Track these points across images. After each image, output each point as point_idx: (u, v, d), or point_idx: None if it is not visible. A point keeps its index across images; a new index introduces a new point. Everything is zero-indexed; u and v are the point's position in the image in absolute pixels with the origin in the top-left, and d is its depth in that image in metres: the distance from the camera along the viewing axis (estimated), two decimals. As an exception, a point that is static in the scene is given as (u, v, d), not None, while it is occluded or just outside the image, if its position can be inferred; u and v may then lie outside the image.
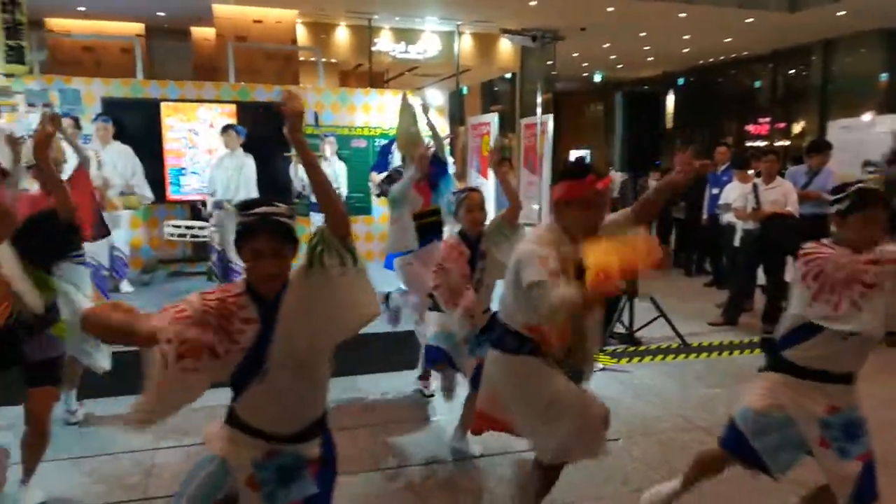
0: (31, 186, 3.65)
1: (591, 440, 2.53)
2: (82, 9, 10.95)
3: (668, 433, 3.98)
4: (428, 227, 4.53)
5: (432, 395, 4.48)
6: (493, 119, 8.33)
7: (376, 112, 8.12)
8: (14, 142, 4.14)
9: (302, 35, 12.00)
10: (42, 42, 8.18)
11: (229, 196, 6.21)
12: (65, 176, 4.25)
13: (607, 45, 14.31)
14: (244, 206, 2.02)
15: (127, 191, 6.43)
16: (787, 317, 2.50)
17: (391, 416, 4.23)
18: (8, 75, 6.21)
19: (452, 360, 3.60)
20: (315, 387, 2.13)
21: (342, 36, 12.52)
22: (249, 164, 6.28)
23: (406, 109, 4.78)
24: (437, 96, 8.02)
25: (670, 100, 17.74)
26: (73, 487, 3.29)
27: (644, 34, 13.16)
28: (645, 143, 5.69)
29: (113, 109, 6.74)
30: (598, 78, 18.18)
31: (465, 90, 15.59)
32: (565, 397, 2.50)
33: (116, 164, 6.33)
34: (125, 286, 6.48)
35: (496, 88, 17.53)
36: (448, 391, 3.82)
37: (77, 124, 5.94)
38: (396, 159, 6.06)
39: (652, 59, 16.05)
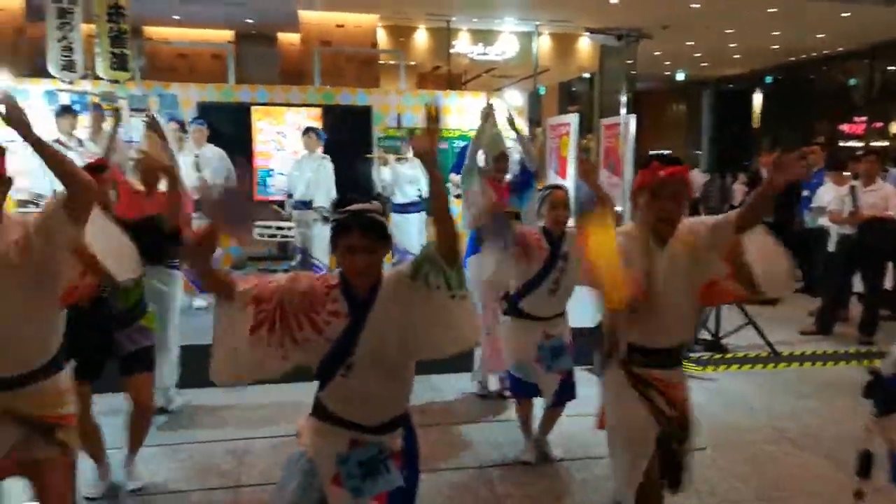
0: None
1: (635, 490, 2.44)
2: (177, 17, 11.52)
3: (757, 444, 3.84)
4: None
5: (489, 396, 4.51)
6: (572, 119, 8.21)
7: (455, 113, 8.16)
8: (99, 117, 4.38)
9: (382, 38, 12.22)
10: (141, 50, 8.65)
11: (309, 196, 6.43)
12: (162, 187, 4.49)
13: (691, 42, 13.90)
14: (338, 204, 2.08)
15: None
16: None
17: (468, 415, 4.27)
18: (112, 81, 6.59)
19: (538, 390, 3.56)
20: (399, 385, 2.17)
21: (421, 38, 12.67)
22: (328, 165, 6.50)
23: (489, 113, 4.82)
24: (516, 97, 7.99)
25: (757, 98, 17.04)
26: (171, 472, 3.48)
27: (731, 31, 12.71)
28: (734, 143, 5.51)
29: (207, 113, 7.07)
30: (680, 77, 17.68)
31: (542, 91, 15.47)
32: (625, 431, 2.45)
33: (210, 165, 6.63)
34: (217, 282, 6.78)
35: (574, 89, 17.30)
36: (525, 423, 3.72)
37: (183, 128, 6.25)
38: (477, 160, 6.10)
39: (739, 56, 15.48)
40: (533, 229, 3.58)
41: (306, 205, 6.49)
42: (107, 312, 3.09)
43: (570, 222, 3.58)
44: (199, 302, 5.92)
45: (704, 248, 2.34)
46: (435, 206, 2.03)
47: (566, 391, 3.53)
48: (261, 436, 3.85)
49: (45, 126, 6.70)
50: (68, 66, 6.01)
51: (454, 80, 14.31)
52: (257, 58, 12.58)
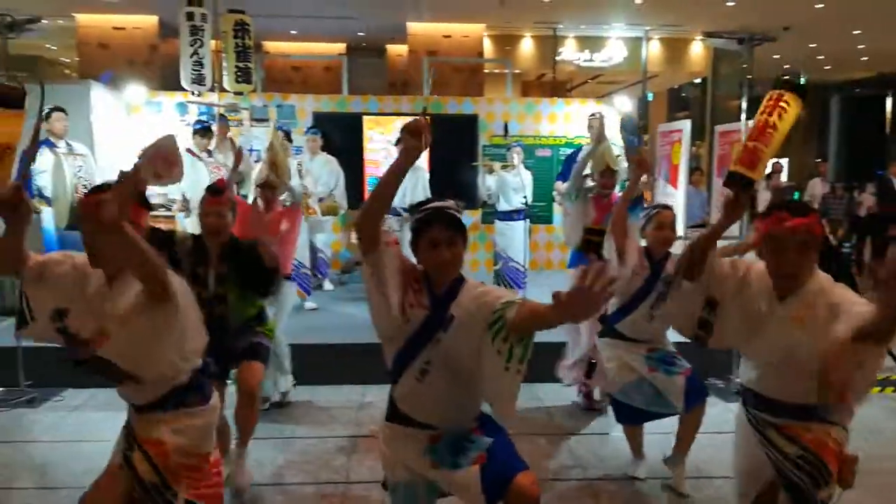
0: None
1: None
2: (294, 32, 12.08)
3: (889, 476, 3.56)
4: (590, 245, 4.40)
5: (594, 409, 4.40)
6: (684, 126, 7.96)
7: (562, 121, 8.12)
8: (238, 151, 4.70)
9: (487, 47, 12.31)
10: (261, 63, 9.14)
11: (404, 204, 6.63)
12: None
13: (814, 45, 13.11)
14: (418, 205, 2.20)
15: (327, 198, 6.99)
16: None
17: (573, 427, 4.20)
18: (237, 93, 7.01)
19: (651, 414, 3.37)
20: (473, 395, 2.21)
21: (527, 46, 12.66)
22: (424, 175, 6.79)
23: (599, 127, 4.76)
24: (625, 103, 7.84)
25: (889, 103, 15.82)
26: (286, 465, 3.63)
27: (858, 32, 11.89)
28: (864, 151, 5.15)
29: (321, 123, 7.39)
30: (801, 81, 16.71)
31: (650, 97, 15.07)
32: (743, 476, 2.38)
33: (321, 173, 6.91)
34: (327, 284, 7.07)
35: (683, 94, 16.75)
36: (633, 440, 3.56)
37: (288, 137, 6.57)
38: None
39: (866, 58, 14.45)
40: (638, 245, 3.47)
41: (405, 210, 6.72)
42: (222, 327, 3.18)
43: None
44: (311, 304, 6.16)
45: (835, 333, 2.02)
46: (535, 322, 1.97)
47: (696, 391, 3.30)
48: (368, 434, 3.97)
49: (177, 135, 7.24)
50: (198, 80, 6.43)
51: (559, 88, 14.20)
52: (366, 68, 12.97)
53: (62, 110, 5.63)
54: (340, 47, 12.85)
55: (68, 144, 5.67)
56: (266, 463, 3.61)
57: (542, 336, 2.04)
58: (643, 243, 3.48)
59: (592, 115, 5.96)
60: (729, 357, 4.64)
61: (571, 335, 4.38)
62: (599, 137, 4.58)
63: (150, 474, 2.20)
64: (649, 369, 3.34)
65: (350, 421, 4.23)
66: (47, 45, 12.44)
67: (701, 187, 9.06)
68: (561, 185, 6.30)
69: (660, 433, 3.62)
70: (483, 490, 2.02)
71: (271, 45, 12.72)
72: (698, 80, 14.22)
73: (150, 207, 2.36)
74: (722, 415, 4.17)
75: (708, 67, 13.17)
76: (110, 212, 1.80)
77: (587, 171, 4.67)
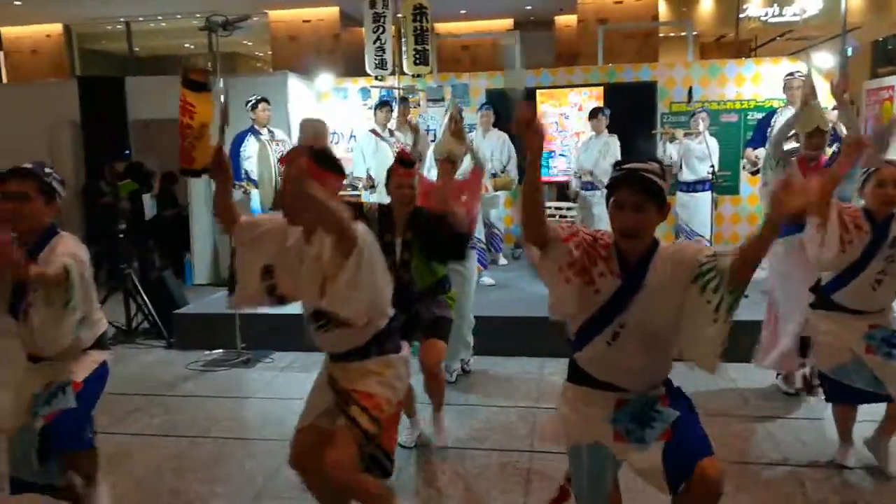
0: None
1: None
2: (463, 11, 12.25)
3: None
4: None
5: (795, 393, 4.10)
6: (897, 82, 7.09)
7: (750, 83, 7.54)
8: (416, 130, 4.86)
9: (662, 10, 11.69)
10: (434, 45, 9.37)
11: (593, 166, 6.49)
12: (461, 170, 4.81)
13: None
14: (617, 164, 2.12)
15: (500, 174, 7.05)
16: None
17: (771, 410, 3.94)
18: (415, 76, 7.28)
19: (868, 395, 3.05)
20: (664, 357, 2.15)
21: (706, 6, 11.87)
22: (615, 144, 6.51)
23: (807, 82, 4.35)
24: (826, 59, 7.10)
25: None
26: (471, 431, 3.77)
27: None
28: None
29: (494, 99, 7.46)
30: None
31: (849, 52, 13.49)
32: None
33: (495, 149, 6.99)
34: (501, 259, 7.19)
35: (890, 47, 14.83)
36: (843, 425, 3.27)
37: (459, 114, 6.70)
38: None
39: None
40: (853, 207, 3.12)
41: (594, 185, 6.57)
42: (408, 291, 3.34)
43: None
44: (488, 279, 6.28)
45: None
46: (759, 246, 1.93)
47: None
48: (548, 406, 3.98)
49: (359, 119, 7.68)
50: (380, 64, 6.76)
51: (741, 48, 13.17)
52: (533, 42, 12.83)
53: (266, 101, 6.17)
54: (508, 23, 12.84)
55: (270, 132, 6.21)
56: (451, 430, 3.73)
57: (736, 315, 1.99)
58: (861, 203, 3.13)
59: (790, 74, 5.47)
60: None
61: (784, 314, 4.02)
62: (807, 98, 4.16)
63: (371, 425, 2.33)
64: (867, 349, 3.02)
65: (531, 392, 4.29)
66: (244, 42, 13.64)
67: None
68: (751, 153, 5.87)
69: (868, 420, 3.27)
70: (666, 474, 1.98)
71: (441, 26, 13.00)
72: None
73: (340, 171, 2.41)
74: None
75: (924, 13, 11.54)
76: (299, 170, 2.06)
77: (790, 133, 4.27)
